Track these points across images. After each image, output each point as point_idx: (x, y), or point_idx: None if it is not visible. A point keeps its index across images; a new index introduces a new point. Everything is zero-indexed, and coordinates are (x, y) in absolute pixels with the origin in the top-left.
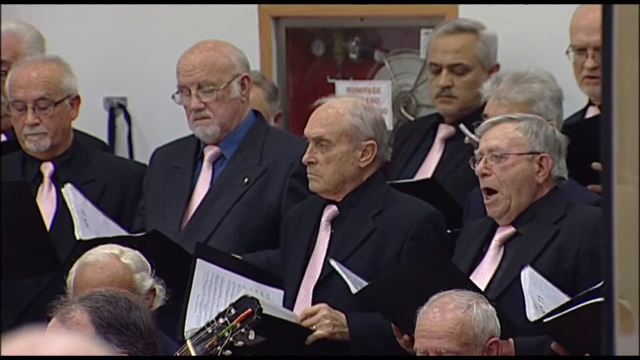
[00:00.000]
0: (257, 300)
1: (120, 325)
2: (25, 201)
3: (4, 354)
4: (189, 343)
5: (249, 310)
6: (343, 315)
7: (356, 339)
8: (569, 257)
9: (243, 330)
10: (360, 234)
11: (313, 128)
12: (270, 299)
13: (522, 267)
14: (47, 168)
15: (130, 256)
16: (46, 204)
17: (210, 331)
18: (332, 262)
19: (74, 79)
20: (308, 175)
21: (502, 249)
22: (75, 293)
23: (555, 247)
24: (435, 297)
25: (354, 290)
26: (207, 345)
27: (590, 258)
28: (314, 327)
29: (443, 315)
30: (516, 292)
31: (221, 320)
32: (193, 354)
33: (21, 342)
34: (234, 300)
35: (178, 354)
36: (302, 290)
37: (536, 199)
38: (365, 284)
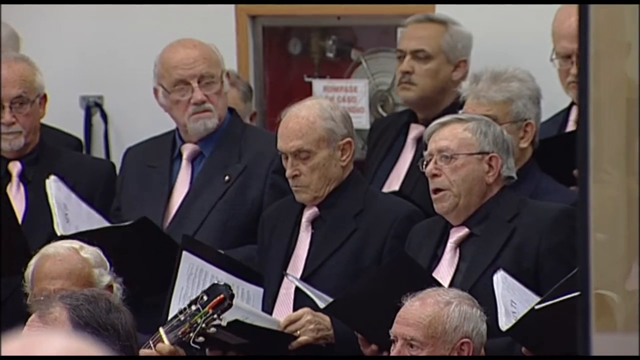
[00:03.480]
0: (229, 287)
1: (97, 325)
2: (4, 212)
3: (3, 353)
4: (161, 331)
5: (221, 296)
6: (327, 318)
7: (341, 341)
8: (528, 255)
9: (215, 316)
10: (342, 234)
11: (289, 142)
12: (251, 296)
13: (487, 271)
14: (15, 167)
15: (90, 251)
16: (15, 202)
17: (182, 318)
18: (292, 279)
19: (42, 77)
20: (293, 189)
21: (458, 250)
22: (33, 285)
23: (514, 246)
24: (426, 290)
25: (321, 305)
26: (179, 333)
27: (552, 256)
28: (298, 332)
29: (421, 306)
30: (479, 295)
31: (193, 307)
32: (166, 341)
33: (17, 341)
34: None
35: (151, 342)
36: (282, 291)
37: (487, 199)
38: (327, 298)
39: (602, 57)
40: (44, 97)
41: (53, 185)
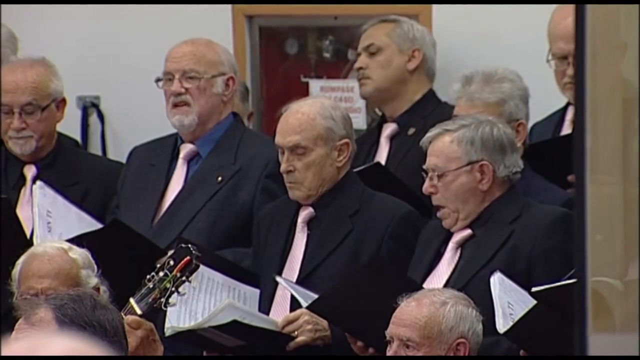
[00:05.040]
0: (194, 248)
1: (83, 323)
2: (7, 217)
3: (4, 354)
4: (132, 300)
5: (187, 258)
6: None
7: (338, 342)
8: (521, 258)
9: (184, 278)
10: (338, 234)
11: (287, 137)
12: (247, 297)
13: (481, 272)
14: (30, 170)
15: (79, 252)
16: (29, 207)
17: (151, 286)
18: (279, 280)
19: (60, 81)
20: (287, 185)
21: (459, 250)
22: (20, 284)
23: (509, 248)
24: (422, 291)
25: (304, 304)
26: (150, 300)
27: (542, 261)
28: (295, 333)
29: (417, 307)
30: (471, 295)
31: (161, 274)
32: (138, 311)
33: (21, 342)
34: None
35: (123, 314)
36: (279, 292)
37: (489, 202)
38: (315, 296)
39: (599, 57)
40: (63, 100)
41: (38, 192)
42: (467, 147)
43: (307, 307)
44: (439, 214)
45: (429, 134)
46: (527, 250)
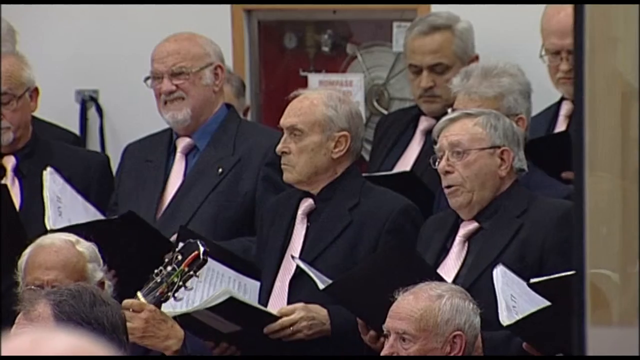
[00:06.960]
0: (202, 243)
1: (81, 320)
2: (5, 203)
3: (4, 353)
4: (139, 294)
5: (195, 253)
6: (324, 311)
7: (338, 335)
8: (533, 251)
9: (191, 273)
10: (337, 227)
11: (287, 118)
12: (248, 289)
13: (492, 265)
14: (10, 161)
15: (86, 246)
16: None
17: (159, 280)
18: (297, 261)
19: (32, 71)
20: (282, 166)
21: (467, 244)
22: (26, 274)
23: (520, 241)
24: (419, 285)
25: (321, 286)
26: (157, 294)
27: (556, 252)
28: (291, 328)
29: (414, 300)
30: (483, 288)
31: (169, 268)
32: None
33: (22, 340)
34: (181, 250)
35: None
36: (277, 284)
37: (498, 193)
38: (330, 281)
39: (597, 53)
40: (35, 90)
41: (48, 178)
42: (491, 131)
43: (323, 290)
44: (449, 190)
45: (448, 116)
46: (538, 243)
